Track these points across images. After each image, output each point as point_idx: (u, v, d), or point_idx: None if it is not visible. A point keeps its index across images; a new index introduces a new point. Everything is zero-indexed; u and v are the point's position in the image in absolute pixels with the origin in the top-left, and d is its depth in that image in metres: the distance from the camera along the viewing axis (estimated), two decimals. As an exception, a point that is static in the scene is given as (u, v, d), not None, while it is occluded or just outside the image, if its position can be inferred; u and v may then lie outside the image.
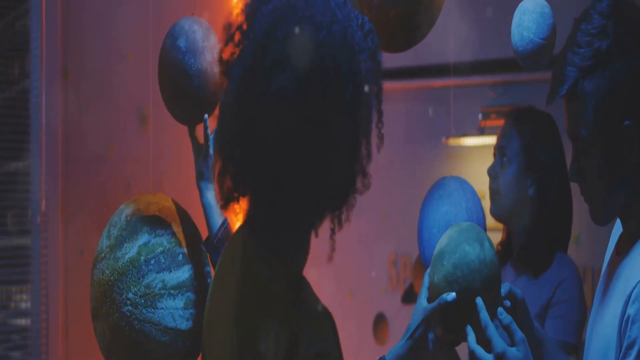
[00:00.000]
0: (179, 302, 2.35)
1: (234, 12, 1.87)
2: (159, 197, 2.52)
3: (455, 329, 2.10)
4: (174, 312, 2.35)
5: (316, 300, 1.81)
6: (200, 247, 2.45)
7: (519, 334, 2.03)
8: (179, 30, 2.49)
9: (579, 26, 1.97)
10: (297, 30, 1.77)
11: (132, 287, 2.37)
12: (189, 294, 2.36)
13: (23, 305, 4.23)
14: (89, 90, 4.13)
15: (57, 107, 4.04)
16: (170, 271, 2.36)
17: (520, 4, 2.34)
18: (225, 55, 1.83)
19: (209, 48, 2.47)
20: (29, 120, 4.08)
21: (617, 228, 2.14)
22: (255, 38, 1.78)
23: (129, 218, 2.45)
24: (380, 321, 5.33)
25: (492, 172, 3.13)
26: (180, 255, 2.39)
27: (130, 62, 4.23)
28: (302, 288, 1.82)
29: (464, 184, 2.74)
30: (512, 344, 2.02)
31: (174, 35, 2.50)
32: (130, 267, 2.38)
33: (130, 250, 2.40)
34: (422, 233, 2.72)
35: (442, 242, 2.15)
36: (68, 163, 4.08)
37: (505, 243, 3.17)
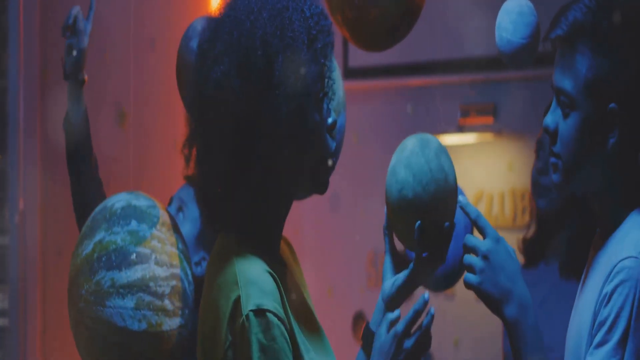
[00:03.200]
0: (129, 302, 2.31)
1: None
2: (132, 196, 2.49)
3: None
4: (123, 311, 2.31)
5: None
6: (170, 249, 2.41)
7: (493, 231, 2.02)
8: (192, 31, 2.50)
9: None
10: (229, 20, 1.97)
11: (85, 284, 2.35)
12: (140, 294, 2.32)
13: (0, 305, 4.20)
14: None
15: (35, 105, 4.02)
16: (120, 270, 2.33)
17: (502, 5, 2.35)
18: None
19: None
20: (7, 119, 4.06)
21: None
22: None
23: (95, 216, 2.44)
24: (359, 319, 5.33)
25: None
26: (134, 255, 2.34)
27: (108, 61, 4.21)
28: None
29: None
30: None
31: (188, 36, 2.52)
32: (85, 263, 2.37)
33: (87, 247, 2.38)
34: None
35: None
36: (46, 162, 4.06)
37: (537, 241, 3.14)
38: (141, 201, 2.46)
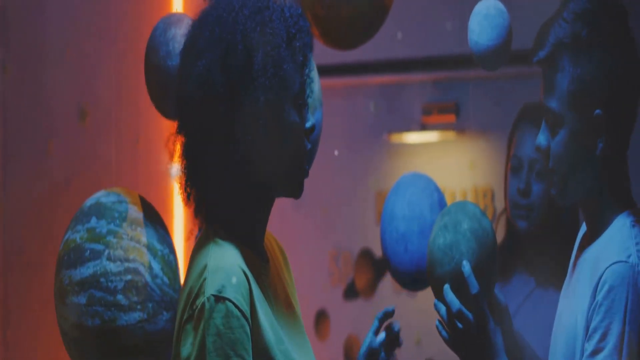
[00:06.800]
0: (82, 299, 2.35)
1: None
2: (104, 193, 2.49)
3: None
4: (78, 308, 2.35)
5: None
6: (128, 244, 2.41)
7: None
8: (158, 25, 2.55)
9: (569, 3, 2.03)
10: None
11: (55, 282, 2.42)
12: (92, 291, 2.35)
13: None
14: (28, 84, 4.10)
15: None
16: (75, 267, 2.37)
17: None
18: None
19: (164, 42, 2.49)
20: (-34, 116, 4.03)
21: (582, 229, 2.18)
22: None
23: (74, 215, 2.47)
24: (321, 317, 5.34)
25: None
26: (88, 252, 2.37)
27: (70, 57, 4.20)
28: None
29: (415, 178, 2.76)
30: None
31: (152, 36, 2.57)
32: (57, 262, 2.43)
33: (60, 246, 2.44)
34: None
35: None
36: (7, 158, 4.03)
37: (512, 245, 3.07)
38: (110, 197, 2.47)
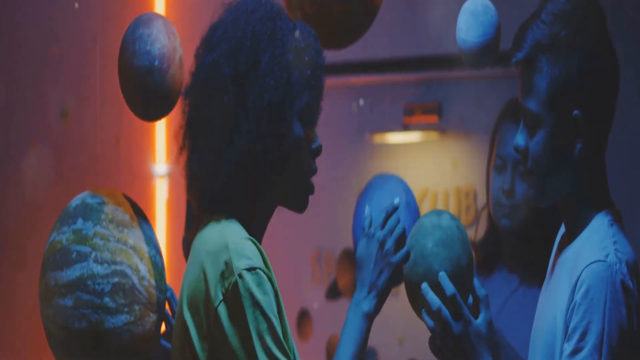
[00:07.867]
0: (68, 301, 2.35)
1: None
2: (89, 194, 2.48)
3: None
4: (64, 310, 2.35)
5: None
6: (115, 246, 2.41)
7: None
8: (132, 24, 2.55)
9: (547, 4, 2.04)
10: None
11: (40, 283, 2.41)
12: (78, 293, 2.35)
13: None
14: (9, 84, 4.09)
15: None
16: (62, 269, 2.37)
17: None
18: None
19: (131, 41, 2.48)
20: None
21: (562, 229, 2.19)
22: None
23: (59, 216, 2.46)
24: (304, 317, 5.34)
25: None
26: (74, 254, 2.37)
27: (51, 57, 4.19)
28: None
29: (383, 181, 2.76)
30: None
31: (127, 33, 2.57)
32: (42, 263, 2.42)
33: (45, 247, 2.43)
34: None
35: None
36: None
37: (494, 240, 3.06)
38: (96, 199, 2.46)
